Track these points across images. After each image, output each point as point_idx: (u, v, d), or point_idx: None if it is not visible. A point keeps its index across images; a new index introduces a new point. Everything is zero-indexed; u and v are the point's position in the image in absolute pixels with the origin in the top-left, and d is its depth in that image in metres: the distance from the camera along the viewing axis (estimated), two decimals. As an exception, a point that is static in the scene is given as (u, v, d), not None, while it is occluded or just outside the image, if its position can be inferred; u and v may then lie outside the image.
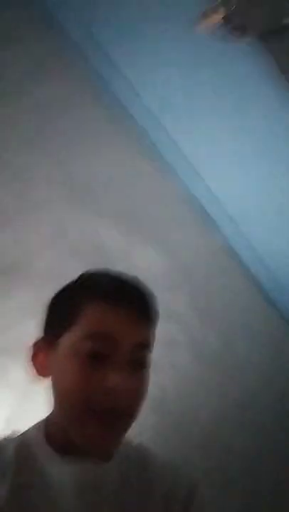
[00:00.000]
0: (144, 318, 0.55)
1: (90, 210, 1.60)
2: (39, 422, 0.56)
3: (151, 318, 0.57)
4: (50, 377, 0.55)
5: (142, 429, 0.71)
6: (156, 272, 1.69)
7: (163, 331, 1.85)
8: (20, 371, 1.20)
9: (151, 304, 0.57)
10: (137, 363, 0.54)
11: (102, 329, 0.52)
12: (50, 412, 0.56)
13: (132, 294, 0.56)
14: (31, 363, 0.58)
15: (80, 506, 0.50)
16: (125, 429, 0.53)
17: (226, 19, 1.18)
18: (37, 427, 0.56)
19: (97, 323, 0.53)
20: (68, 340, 0.54)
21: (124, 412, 0.51)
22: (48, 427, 0.55)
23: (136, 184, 1.67)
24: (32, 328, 1.54)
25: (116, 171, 1.64)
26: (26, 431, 0.55)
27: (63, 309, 0.57)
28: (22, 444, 0.53)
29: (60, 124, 1.58)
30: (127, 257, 1.62)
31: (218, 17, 1.19)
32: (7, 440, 0.53)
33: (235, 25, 1.18)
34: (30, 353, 0.58)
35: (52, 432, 0.54)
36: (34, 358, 0.58)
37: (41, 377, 0.56)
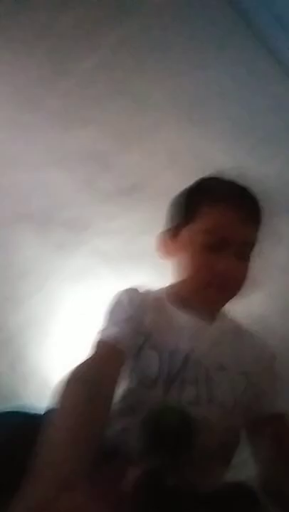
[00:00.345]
0: (251, 221, 0.69)
1: (202, 132, 1.60)
2: (160, 289, 0.77)
3: (258, 221, 0.70)
4: (173, 260, 0.73)
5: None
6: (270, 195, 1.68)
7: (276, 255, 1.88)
8: (139, 277, 1.41)
9: (259, 209, 0.71)
10: (242, 256, 0.69)
11: (215, 227, 0.68)
12: (169, 284, 0.75)
13: (243, 199, 0.70)
14: (158, 249, 0.77)
15: (190, 338, 0.69)
16: (227, 299, 0.72)
17: None
18: (160, 291, 0.76)
19: (211, 221, 0.68)
20: (186, 233, 0.71)
21: (229, 288, 0.70)
22: (168, 293, 0.75)
23: (252, 104, 1.60)
24: (150, 242, 1.76)
25: (230, 91, 1.58)
26: (155, 293, 0.75)
27: (184, 208, 0.74)
28: (155, 297, 0.74)
29: (176, 46, 1.55)
30: (240, 180, 1.64)
31: None
32: (147, 292, 0.75)
33: None
34: (157, 242, 0.78)
35: (172, 296, 0.74)
36: (160, 245, 0.78)
37: (166, 259, 0.76)
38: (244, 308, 0.89)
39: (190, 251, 0.70)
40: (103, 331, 0.68)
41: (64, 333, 1.92)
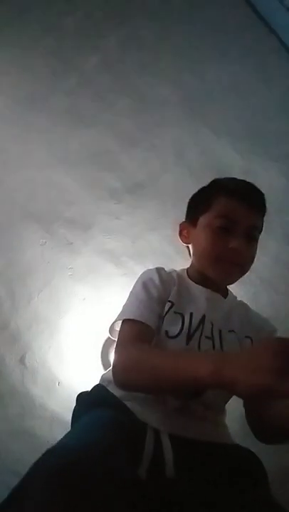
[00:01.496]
0: (257, 209, 0.87)
1: (208, 129, 1.60)
2: (182, 269, 0.94)
3: (263, 210, 0.89)
4: (191, 244, 0.91)
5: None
6: (279, 191, 1.67)
7: (282, 252, 1.89)
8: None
9: (263, 201, 0.89)
10: (251, 238, 0.86)
11: (228, 213, 0.85)
12: (188, 265, 0.93)
13: (250, 192, 0.88)
14: (179, 235, 0.94)
15: (206, 305, 0.86)
16: (238, 273, 0.87)
17: None
18: (181, 270, 0.93)
19: (225, 209, 0.86)
20: (204, 219, 0.89)
21: (242, 264, 0.85)
22: (188, 271, 0.93)
23: (255, 101, 1.59)
24: (157, 239, 1.77)
25: (238, 87, 1.57)
26: (178, 271, 0.93)
27: (202, 200, 0.91)
28: (178, 275, 0.91)
29: (179, 41, 1.55)
30: (247, 177, 1.63)
31: None
32: (172, 270, 0.93)
33: None
34: (178, 229, 0.94)
35: (191, 274, 0.92)
36: (181, 232, 0.95)
37: (185, 244, 0.92)
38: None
39: (208, 232, 0.86)
40: (133, 310, 0.81)
41: (71, 330, 1.94)
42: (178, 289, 0.86)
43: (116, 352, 0.77)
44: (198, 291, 0.88)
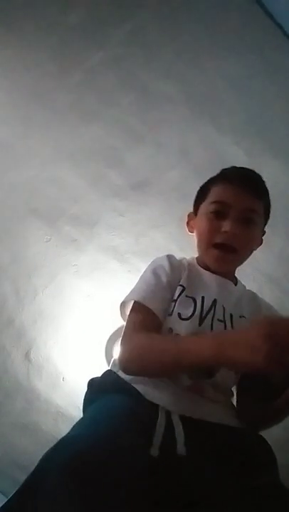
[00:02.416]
0: (251, 192, 0.86)
1: (213, 125, 1.60)
2: (191, 257, 0.94)
3: (259, 193, 0.88)
4: (195, 232, 0.91)
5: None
6: (284, 188, 1.67)
7: (286, 249, 1.87)
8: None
9: (259, 184, 0.88)
10: (247, 221, 0.85)
11: (222, 198, 0.86)
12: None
13: (244, 176, 0.88)
14: (187, 225, 0.96)
15: (217, 290, 0.87)
16: (235, 261, 0.88)
17: None
18: (191, 258, 0.94)
19: (219, 194, 0.87)
20: (202, 207, 0.90)
21: (235, 247, 0.84)
22: (197, 259, 0.94)
23: (261, 99, 1.58)
24: (161, 236, 1.77)
25: (242, 84, 1.56)
26: (187, 259, 0.94)
27: (202, 189, 0.93)
28: (189, 262, 0.92)
29: (185, 38, 1.54)
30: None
31: None
32: (182, 258, 0.94)
33: None
34: (185, 220, 0.96)
35: (200, 261, 0.93)
36: (188, 223, 0.96)
37: (191, 234, 0.93)
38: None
39: (203, 219, 0.88)
40: (140, 292, 0.83)
41: (76, 326, 1.95)
42: (188, 274, 0.87)
43: (121, 342, 0.79)
44: (208, 276, 0.88)
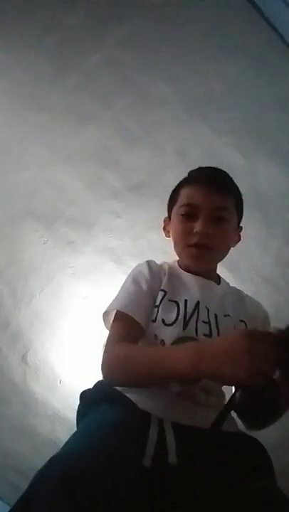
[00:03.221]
0: (219, 190, 0.86)
1: (209, 127, 1.60)
2: (173, 261, 0.95)
3: (227, 190, 0.88)
4: (171, 236, 0.92)
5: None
6: (280, 190, 1.68)
7: (282, 250, 1.87)
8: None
9: (226, 182, 0.89)
10: (217, 220, 0.85)
11: (190, 200, 0.87)
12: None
13: (210, 176, 0.89)
14: (163, 230, 0.97)
15: (200, 291, 0.87)
16: (211, 259, 0.89)
17: None
18: (172, 262, 0.95)
19: (187, 197, 0.88)
20: (174, 211, 0.91)
21: (209, 245, 0.85)
22: (178, 262, 0.94)
23: (257, 100, 1.59)
24: (158, 238, 1.77)
25: (239, 86, 1.57)
26: (169, 262, 0.95)
27: (172, 194, 0.94)
28: (170, 265, 0.92)
29: (181, 42, 1.55)
30: (249, 176, 1.63)
31: None
32: (163, 262, 0.95)
33: None
34: (161, 226, 0.97)
35: (181, 264, 0.93)
36: (164, 228, 0.97)
37: (168, 238, 0.94)
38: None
39: (175, 222, 0.89)
40: (120, 302, 0.84)
41: (73, 328, 1.95)
42: (169, 278, 0.88)
43: (103, 352, 0.79)
44: (190, 279, 0.88)
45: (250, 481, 0.64)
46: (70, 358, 1.98)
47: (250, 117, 1.60)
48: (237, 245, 0.95)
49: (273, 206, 1.72)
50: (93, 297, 1.87)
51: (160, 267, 0.91)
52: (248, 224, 1.67)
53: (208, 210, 0.85)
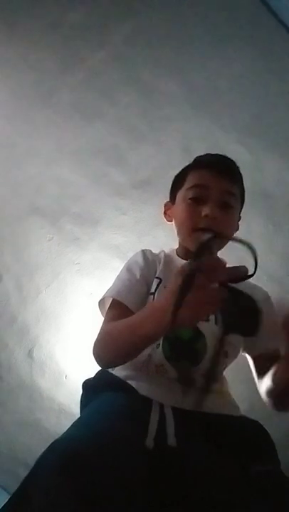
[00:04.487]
0: (229, 175, 0.87)
1: (215, 124, 1.59)
2: (171, 248, 0.94)
3: (236, 177, 0.88)
4: (174, 221, 0.91)
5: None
6: (286, 186, 1.66)
7: (284, 246, 1.86)
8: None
9: (234, 169, 0.89)
10: (226, 205, 0.84)
11: (199, 182, 0.85)
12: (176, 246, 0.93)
13: (219, 160, 0.89)
14: (164, 215, 0.95)
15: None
16: (217, 244, 0.85)
17: None
18: (171, 249, 0.95)
19: (196, 179, 0.86)
20: (180, 194, 0.90)
21: (217, 231, 0.83)
22: (177, 250, 0.93)
23: (263, 97, 1.57)
24: (163, 235, 1.77)
25: (245, 82, 1.56)
26: (166, 251, 0.94)
27: (178, 177, 0.93)
28: (166, 254, 0.92)
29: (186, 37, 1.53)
30: (255, 172, 1.62)
31: None
32: (160, 251, 0.94)
33: None
34: (162, 210, 0.96)
35: (179, 252, 0.92)
36: (165, 213, 0.95)
37: (169, 223, 0.93)
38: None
39: (182, 205, 0.87)
40: (113, 289, 0.85)
41: (78, 324, 1.96)
42: (164, 265, 0.87)
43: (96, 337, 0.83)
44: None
45: (253, 463, 0.64)
46: (76, 353, 1.99)
47: (256, 113, 1.58)
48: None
49: (279, 203, 1.71)
50: (98, 293, 1.87)
51: (155, 255, 0.91)
52: (254, 221, 1.68)
53: (217, 193, 0.83)
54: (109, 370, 0.82)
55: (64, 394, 2.09)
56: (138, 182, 1.66)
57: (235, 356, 0.86)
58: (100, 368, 0.84)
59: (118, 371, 0.80)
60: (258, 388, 0.82)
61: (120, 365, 0.78)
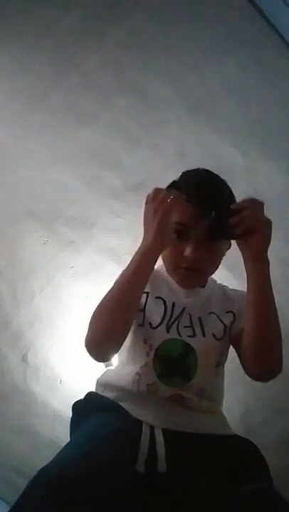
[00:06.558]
0: (209, 211, 0.81)
1: (209, 127, 1.60)
2: (161, 265, 0.93)
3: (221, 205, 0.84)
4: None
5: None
6: (280, 190, 1.67)
7: (283, 250, 1.88)
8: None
9: (217, 199, 0.83)
10: (205, 242, 0.82)
11: (181, 220, 0.83)
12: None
13: (199, 195, 0.83)
14: None
15: (186, 298, 0.88)
16: (201, 278, 0.90)
17: None
18: (159, 265, 0.93)
19: (179, 216, 0.83)
20: None
21: (198, 269, 0.85)
22: (164, 269, 0.93)
23: (257, 100, 1.59)
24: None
25: (240, 86, 1.57)
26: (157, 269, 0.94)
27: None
28: (155, 271, 0.87)
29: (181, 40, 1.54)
30: (249, 176, 1.63)
31: None
32: None
33: None
34: None
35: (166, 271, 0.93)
36: None
37: None
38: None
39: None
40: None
41: (73, 328, 1.95)
42: (153, 281, 0.87)
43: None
44: (175, 284, 0.89)
45: (245, 483, 0.64)
46: (71, 358, 1.98)
47: (250, 117, 1.60)
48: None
49: (273, 206, 1.71)
50: (94, 297, 1.86)
51: None
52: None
53: (198, 232, 0.81)
54: (99, 391, 0.81)
55: (59, 399, 2.07)
56: (133, 185, 1.66)
57: (226, 359, 0.87)
58: (95, 375, 0.84)
59: (108, 392, 0.80)
60: (243, 367, 0.82)
61: (114, 345, 0.78)
